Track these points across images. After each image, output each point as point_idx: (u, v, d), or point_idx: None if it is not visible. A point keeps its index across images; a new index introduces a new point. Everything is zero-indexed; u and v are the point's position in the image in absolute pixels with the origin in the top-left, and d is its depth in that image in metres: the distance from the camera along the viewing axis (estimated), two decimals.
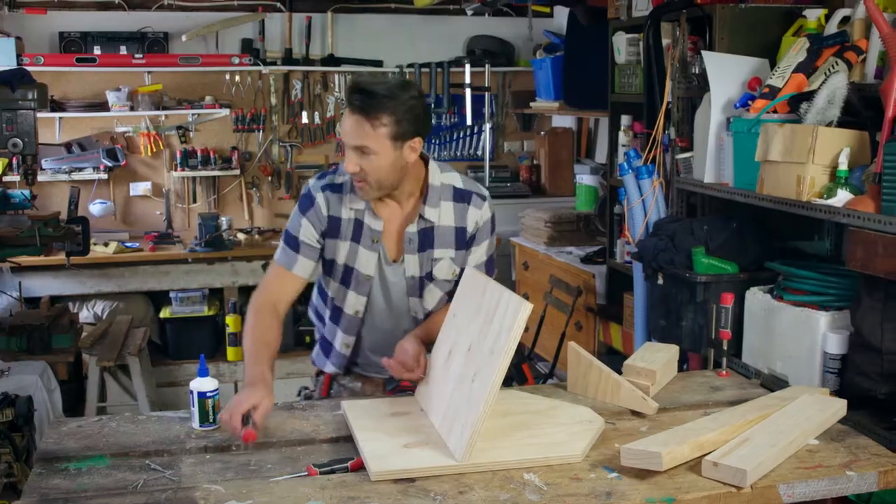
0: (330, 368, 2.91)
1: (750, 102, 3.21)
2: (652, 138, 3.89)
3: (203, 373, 2.41)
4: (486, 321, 2.19)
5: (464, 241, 2.75)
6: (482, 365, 2.12)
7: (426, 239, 2.73)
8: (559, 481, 2.02)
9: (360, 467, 2.10)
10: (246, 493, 1.96)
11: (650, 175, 3.82)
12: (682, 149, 3.73)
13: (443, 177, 2.76)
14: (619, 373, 2.66)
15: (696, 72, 3.74)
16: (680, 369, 2.82)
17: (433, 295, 2.78)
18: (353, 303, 2.79)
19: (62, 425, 2.43)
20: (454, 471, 2.04)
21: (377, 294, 2.80)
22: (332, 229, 2.75)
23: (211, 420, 2.37)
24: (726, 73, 3.43)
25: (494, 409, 2.11)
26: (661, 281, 3.46)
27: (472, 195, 2.76)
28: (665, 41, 3.98)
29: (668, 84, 3.80)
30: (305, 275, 2.78)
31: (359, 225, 2.74)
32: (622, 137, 4.63)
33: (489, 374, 2.06)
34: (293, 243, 2.77)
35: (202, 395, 2.37)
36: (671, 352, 2.75)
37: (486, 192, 2.82)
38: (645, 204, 3.82)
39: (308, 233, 2.75)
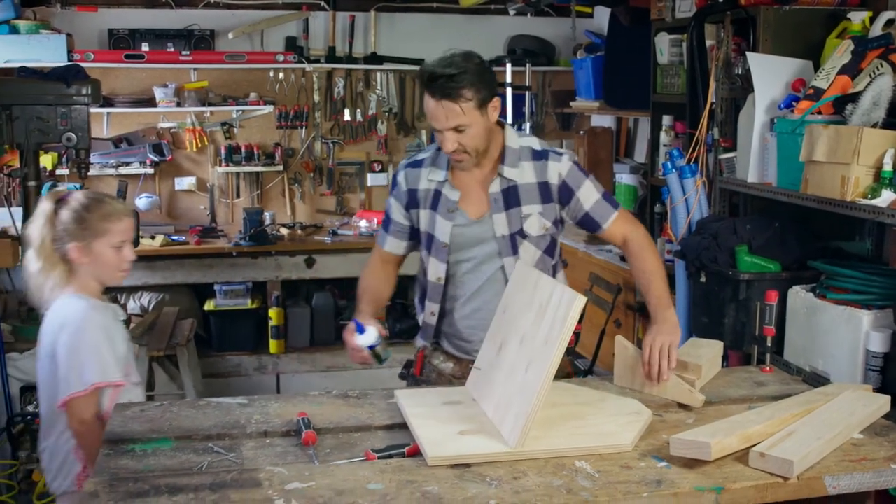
0: (420, 342, 3.08)
1: (794, 104, 3.26)
2: (695, 138, 3.93)
3: (361, 329, 2.75)
4: (539, 314, 2.25)
5: (549, 194, 2.87)
6: (535, 355, 2.19)
7: (512, 197, 2.87)
8: (610, 469, 2.08)
9: (416, 453, 2.17)
10: (308, 476, 2.04)
11: (693, 174, 3.87)
12: (725, 149, 3.78)
13: (521, 140, 2.92)
14: None
15: (740, 73, 3.79)
16: (722, 365, 2.87)
17: (528, 252, 2.90)
18: (435, 269, 2.96)
19: (126, 409, 2.52)
20: (508, 457, 2.11)
21: (468, 254, 2.93)
22: (412, 201, 2.99)
23: (380, 361, 2.78)
24: (770, 74, 3.48)
25: (545, 400, 2.18)
26: (703, 279, 3.51)
27: (549, 153, 2.90)
28: (709, 42, 4.02)
29: (712, 85, 3.85)
30: (396, 251, 3.08)
31: (437, 195, 2.94)
32: (664, 137, 4.67)
33: (543, 364, 2.13)
34: (386, 223, 3.09)
35: (371, 347, 2.76)
36: (716, 348, 2.81)
37: (565, 150, 2.96)
38: (688, 203, 3.87)
39: (395, 210, 3.04)
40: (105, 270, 2.79)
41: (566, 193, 2.87)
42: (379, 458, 2.16)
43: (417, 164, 3.00)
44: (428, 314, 3.01)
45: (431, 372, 3.05)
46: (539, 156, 2.88)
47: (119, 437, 2.32)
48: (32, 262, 2.77)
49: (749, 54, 3.55)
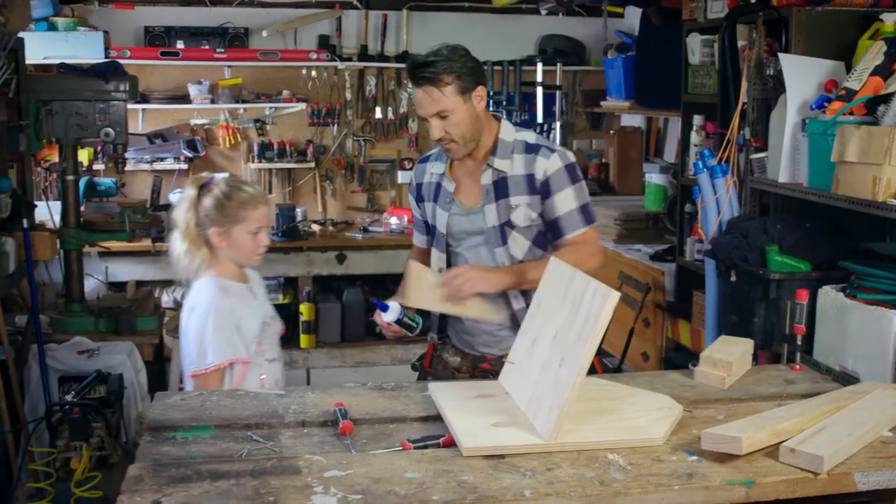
0: (430, 336, 3.17)
1: (826, 104, 3.27)
2: (726, 138, 3.95)
3: (384, 308, 2.87)
4: (573, 309, 2.29)
5: (534, 187, 2.92)
6: (569, 351, 2.22)
7: (501, 188, 2.94)
8: (642, 462, 2.12)
9: (451, 444, 2.21)
10: (345, 464, 2.09)
11: (724, 174, 3.89)
12: (756, 149, 3.80)
13: (517, 134, 2.99)
14: (694, 366, 2.75)
15: (772, 73, 3.80)
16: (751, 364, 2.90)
17: (518, 243, 2.96)
18: (436, 260, 3.09)
19: (166, 398, 2.58)
20: (542, 449, 2.15)
21: (464, 245, 3.02)
22: (420, 194, 3.15)
23: (412, 330, 2.91)
24: (802, 75, 3.50)
25: (577, 394, 2.22)
26: (733, 278, 3.53)
27: (540, 147, 2.95)
28: (741, 43, 4.03)
29: (744, 85, 3.86)
30: (422, 245, 3.22)
31: (438, 187, 3.07)
32: (694, 137, 4.69)
33: (576, 359, 2.16)
34: (414, 220, 3.26)
35: (398, 321, 2.87)
36: (746, 345, 2.84)
37: (561, 149, 2.98)
38: (718, 203, 3.89)
39: (413, 205, 3.22)
40: (242, 254, 2.96)
41: (545, 192, 2.92)
42: (415, 448, 2.20)
43: (425, 160, 3.17)
44: None
45: (438, 365, 3.15)
46: (531, 149, 2.95)
47: (160, 424, 2.38)
48: (178, 244, 2.97)
49: (781, 55, 3.57)
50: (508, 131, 2.98)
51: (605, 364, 5.59)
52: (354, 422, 2.37)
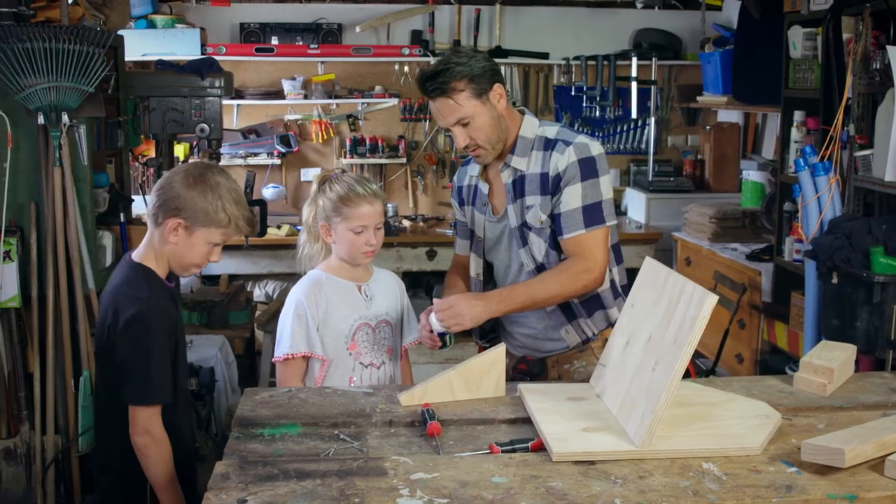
0: (474, 338, 3.15)
1: None
2: (829, 135, 3.82)
3: None
4: (668, 311, 2.22)
5: (547, 186, 2.81)
6: (663, 354, 2.16)
7: (519, 187, 2.86)
8: (738, 472, 2.04)
9: (540, 448, 2.16)
10: (432, 466, 2.05)
11: (826, 172, 3.76)
12: (861, 146, 3.67)
13: (540, 130, 2.87)
14: (793, 371, 2.65)
15: (879, 67, 3.67)
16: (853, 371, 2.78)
17: (537, 245, 2.87)
18: (474, 265, 3.05)
19: (255, 394, 2.58)
20: (634, 456, 2.09)
21: (494, 254, 2.98)
22: (461, 198, 3.07)
23: (444, 346, 2.86)
24: None
25: (672, 399, 2.16)
26: (835, 280, 3.42)
27: (557, 142, 2.82)
28: (846, 35, 3.90)
29: (849, 79, 3.73)
30: (463, 252, 3.12)
31: (475, 190, 3.01)
32: (795, 133, 4.56)
33: (671, 363, 2.09)
34: (457, 225, 3.15)
35: (441, 334, 2.79)
36: (849, 351, 2.72)
37: (581, 141, 2.81)
38: (820, 202, 3.76)
39: (456, 209, 3.12)
40: (347, 251, 2.93)
41: (555, 186, 2.80)
42: (503, 451, 2.16)
43: (467, 162, 3.06)
44: None
45: None
46: (548, 145, 2.83)
47: (249, 421, 2.38)
48: (302, 234, 3.03)
49: (890, 48, 3.44)
50: (530, 127, 2.87)
51: (698, 366, 5.51)
52: (442, 423, 2.33)
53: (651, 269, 2.48)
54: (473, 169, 3.00)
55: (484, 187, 2.96)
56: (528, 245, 2.87)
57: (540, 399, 2.42)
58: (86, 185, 3.91)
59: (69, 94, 3.68)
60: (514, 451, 2.16)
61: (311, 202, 2.96)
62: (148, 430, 2.51)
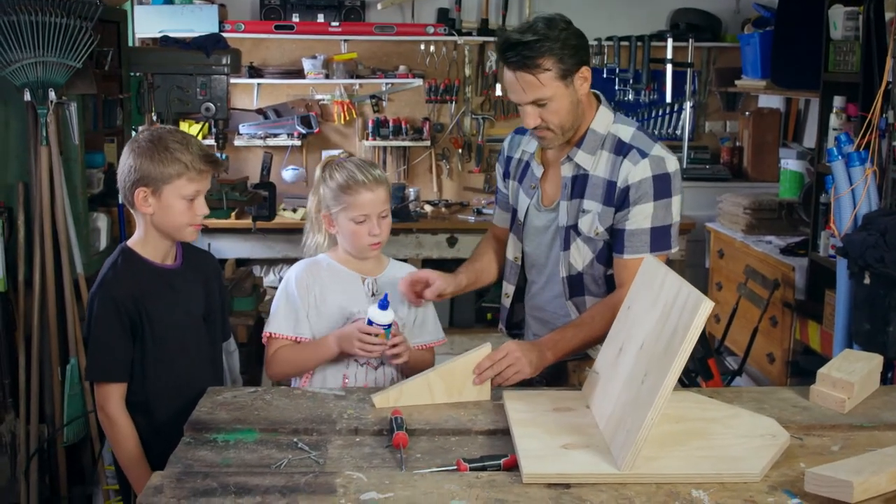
0: (500, 326, 2.93)
1: None
2: (867, 122, 3.54)
3: (384, 304, 2.49)
4: (663, 316, 1.98)
5: (612, 197, 2.53)
6: (654, 365, 1.92)
7: (579, 186, 2.59)
8: (731, 502, 1.80)
9: (513, 465, 1.94)
10: (388, 485, 1.84)
11: (862, 163, 3.48)
12: None
13: (613, 126, 2.59)
14: (812, 382, 2.39)
15: None
16: (883, 381, 2.50)
17: (580, 252, 2.62)
18: (512, 247, 2.80)
19: (217, 394, 2.39)
20: (614, 480, 1.85)
21: (531, 244, 2.73)
22: (507, 169, 2.83)
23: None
24: None
25: (667, 412, 1.93)
26: (867, 280, 3.16)
27: (632, 149, 2.53)
28: (888, 15, 3.62)
29: (889, 63, 3.46)
30: (502, 224, 2.89)
31: (526, 167, 2.76)
32: (833, 120, 4.28)
33: (660, 376, 1.86)
34: (496, 193, 2.94)
35: (370, 322, 2.49)
36: (873, 362, 2.45)
37: (658, 153, 2.53)
38: (854, 194, 3.48)
39: (499, 177, 2.88)
40: (351, 243, 2.69)
41: (621, 199, 2.52)
42: (471, 468, 1.94)
43: (522, 131, 2.76)
44: (504, 296, 2.83)
45: None
46: (621, 149, 2.54)
47: (204, 424, 2.19)
48: (306, 225, 2.85)
49: None
50: (603, 120, 2.59)
51: (726, 364, 5.24)
52: (412, 433, 2.13)
53: (650, 269, 2.24)
54: (529, 144, 2.72)
55: (538, 169, 2.69)
56: (570, 250, 2.62)
57: (522, 408, 2.20)
58: (76, 165, 3.75)
59: (56, 70, 3.51)
60: (483, 468, 1.95)
61: (314, 191, 2.72)
62: (103, 407, 2.46)
